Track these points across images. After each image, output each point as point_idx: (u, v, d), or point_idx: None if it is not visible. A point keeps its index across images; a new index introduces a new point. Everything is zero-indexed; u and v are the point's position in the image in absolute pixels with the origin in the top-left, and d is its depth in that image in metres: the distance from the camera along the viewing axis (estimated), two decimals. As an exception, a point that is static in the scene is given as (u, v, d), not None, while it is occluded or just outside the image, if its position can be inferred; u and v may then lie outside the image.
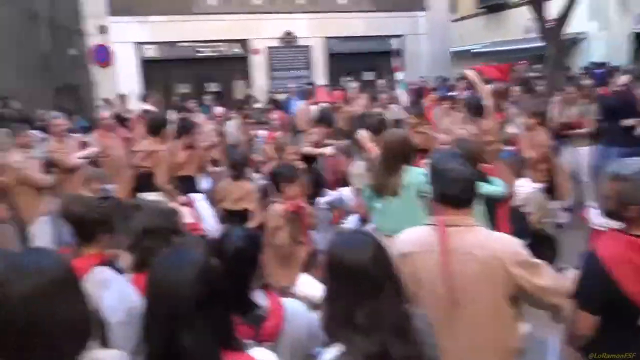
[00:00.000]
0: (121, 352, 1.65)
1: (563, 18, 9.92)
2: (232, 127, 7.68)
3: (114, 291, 2.13)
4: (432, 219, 2.17)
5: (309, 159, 5.76)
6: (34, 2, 18.48)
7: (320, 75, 14.80)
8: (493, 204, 3.80)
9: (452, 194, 2.11)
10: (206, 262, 1.56)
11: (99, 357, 1.56)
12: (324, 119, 6.78)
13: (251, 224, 4.40)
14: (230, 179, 4.77)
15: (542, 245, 4.20)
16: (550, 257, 3.94)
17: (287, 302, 1.98)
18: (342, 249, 1.74)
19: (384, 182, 3.54)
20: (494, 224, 3.78)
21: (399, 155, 3.55)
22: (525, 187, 5.23)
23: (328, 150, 6.47)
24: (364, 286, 1.66)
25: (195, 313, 1.46)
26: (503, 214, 3.97)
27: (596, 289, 2.30)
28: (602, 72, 11.85)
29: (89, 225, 2.41)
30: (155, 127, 5.00)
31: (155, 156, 4.77)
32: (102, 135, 6.59)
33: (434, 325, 1.80)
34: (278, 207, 3.55)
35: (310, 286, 3.56)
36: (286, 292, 3.52)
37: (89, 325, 1.65)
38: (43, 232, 5.32)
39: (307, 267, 3.67)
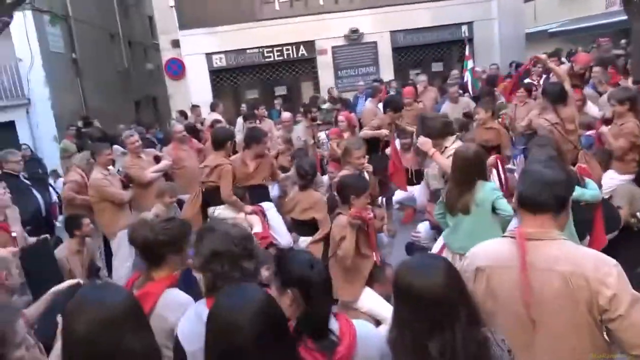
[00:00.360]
0: None
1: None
2: (299, 131, 7.67)
3: (189, 317, 2.12)
4: (511, 231, 2.02)
5: (370, 148, 5.53)
6: (112, 22, 19.66)
7: (387, 70, 14.54)
8: (587, 207, 3.55)
9: (531, 196, 1.95)
10: (267, 300, 1.55)
11: None
12: (390, 104, 6.61)
13: (318, 234, 4.34)
14: (299, 188, 4.75)
15: (632, 241, 3.84)
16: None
17: (358, 325, 1.91)
18: (412, 273, 1.65)
19: (455, 200, 3.45)
20: (588, 229, 3.53)
21: (472, 171, 3.41)
22: (614, 179, 4.81)
23: (384, 132, 6.28)
24: (437, 314, 1.57)
25: (255, 351, 1.45)
26: (599, 217, 3.67)
27: None
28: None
29: (156, 249, 2.46)
30: (219, 141, 5.07)
31: (220, 170, 4.83)
32: (175, 148, 6.81)
33: (512, 350, 1.68)
34: (343, 219, 3.46)
35: (375, 302, 3.48)
36: (349, 307, 3.45)
37: (156, 357, 1.68)
38: (123, 246, 5.58)
39: (372, 281, 3.58)
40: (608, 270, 1.79)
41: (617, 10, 13.94)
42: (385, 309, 3.36)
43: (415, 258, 1.81)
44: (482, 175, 3.44)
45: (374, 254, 3.58)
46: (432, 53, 15.15)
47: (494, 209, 3.36)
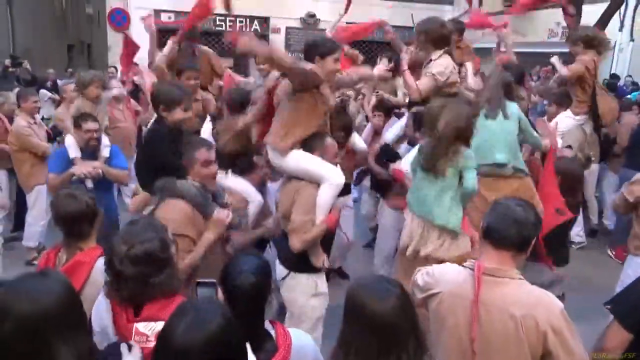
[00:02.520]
0: None
1: (598, 26, 9.63)
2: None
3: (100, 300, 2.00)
4: (471, 263, 2.05)
5: None
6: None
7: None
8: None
9: (497, 230, 1.98)
10: (223, 325, 1.40)
11: None
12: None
13: None
14: None
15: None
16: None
17: (295, 334, 1.88)
18: (366, 295, 1.64)
19: (435, 159, 3.14)
20: None
21: (461, 135, 3.14)
22: (569, 118, 5.53)
23: None
24: (385, 340, 1.58)
25: None
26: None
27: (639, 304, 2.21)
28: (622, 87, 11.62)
29: (84, 222, 2.33)
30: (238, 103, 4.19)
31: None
32: (110, 106, 6.42)
33: None
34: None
35: (309, 161, 3.30)
36: (278, 166, 3.32)
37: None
38: (40, 203, 5.23)
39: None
40: (557, 316, 1.87)
41: (557, 41, 14.71)
42: (322, 168, 3.21)
43: (371, 279, 1.78)
44: (468, 142, 3.20)
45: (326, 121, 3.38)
46: (383, 50, 15.28)
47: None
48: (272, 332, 1.82)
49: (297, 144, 3.23)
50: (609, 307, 2.28)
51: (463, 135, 3.13)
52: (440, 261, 2.63)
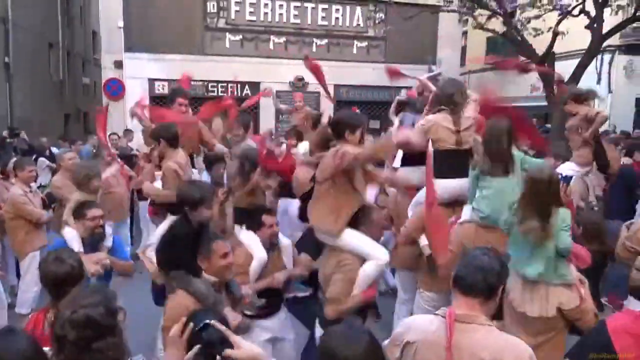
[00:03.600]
0: None
1: (572, 81, 10.06)
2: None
3: None
4: (443, 311, 2.13)
5: None
6: (53, 31, 19.03)
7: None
8: None
9: (465, 278, 2.08)
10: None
11: None
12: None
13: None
14: None
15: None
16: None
17: None
18: (337, 340, 1.74)
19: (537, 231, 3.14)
20: None
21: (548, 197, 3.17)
22: (572, 171, 5.54)
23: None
24: None
25: None
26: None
27: (592, 351, 2.30)
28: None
29: (71, 283, 2.41)
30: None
31: None
32: (103, 171, 6.58)
33: None
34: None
35: (358, 239, 3.49)
36: (332, 245, 3.46)
37: None
38: (32, 269, 5.27)
39: (357, 224, 3.61)
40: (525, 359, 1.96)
41: (539, 95, 15.24)
42: (369, 246, 3.45)
43: (342, 327, 1.88)
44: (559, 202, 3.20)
45: (365, 195, 3.62)
46: (371, 110, 15.78)
47: None
48: None
49: (346, 224, 3.45)
50: None
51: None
52: None
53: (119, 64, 14.18)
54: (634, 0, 10.00)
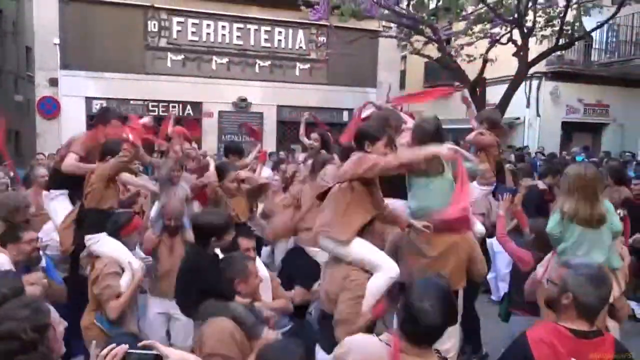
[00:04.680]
0: None
1: (502, 104, 10.64)
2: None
3: None
4: (387, 337, 2.12)
5: None
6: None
7: (270, 142, 15.00)
8: None
9: (416, 334, 2.05)
10: None
11: None
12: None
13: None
14: None
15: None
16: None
17: None
18: (274, 355, 1.82)
19: (589, 212, 3.40)
20: None
21: (596, 187, 3.47)
22: (475, 189, 5.46)
23: None
24: None
25: None
26: None
27: None
28: (534, 158, 12.65)
29: None
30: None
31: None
32: (36, 193, 6.34)
33: None
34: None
35: (366, 249, 3.34)
36: (339, 257, 3.31)
37: None
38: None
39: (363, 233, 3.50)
40: None
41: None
42: (380, 257, 3.27)
43: (279, 343, 1.93)
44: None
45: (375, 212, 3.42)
46: (314, 131, 15.92)
47: None
48: None
49: (356, 232, 3.27)
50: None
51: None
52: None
53: (54, 82, 13.69)
54: (556, 31, 10.74)
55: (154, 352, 1.76)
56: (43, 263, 3.87)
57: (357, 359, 2.10)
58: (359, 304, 3.14)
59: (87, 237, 3.88)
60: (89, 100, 13.82)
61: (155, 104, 14.35)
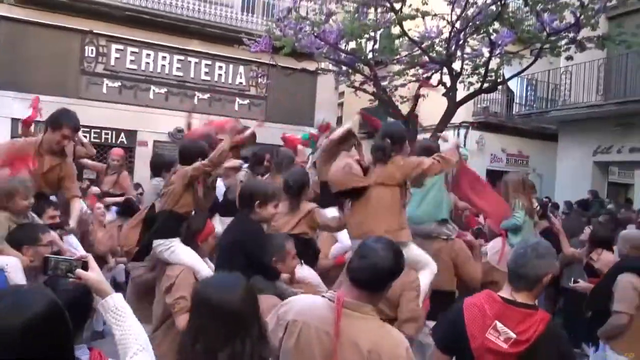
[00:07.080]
0: None
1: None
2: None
3: None
4: (331, 294, 2.15)
5: None
6: None
7: (206, 174, 14.88)
8: None
9: (354, 269, 2.13)
10: (44, 312, 1.37)
11: None
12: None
13: None
14: None
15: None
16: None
17: None
18: (212, 288, 1.78)
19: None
20: None
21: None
22: None
23: None
24: (231, 325, 1.69)
25: None
26: None
27: (447, 328, 2.50)
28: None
29: None
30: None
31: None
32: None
33: None
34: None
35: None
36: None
37: None
38: None
39: None
40: (400, 352, 2.04)
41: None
42: (425, 255, 3.47)
43: (218, 275, 1.92)
44: None
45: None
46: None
47: None
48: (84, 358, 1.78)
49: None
50: (430, 333, 2.63)
51: None
52: None
53: (-22, 100, 13.07)
54: (480, 78, 11.60)
55: (73, 258, 1.77)
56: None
57: (300, 316, 2.12)
58: (419, 300, 3.33)
59: (156, 241, 3.43)
60: (15, 121, 13.20)
61: (87, 129, 13.91)
